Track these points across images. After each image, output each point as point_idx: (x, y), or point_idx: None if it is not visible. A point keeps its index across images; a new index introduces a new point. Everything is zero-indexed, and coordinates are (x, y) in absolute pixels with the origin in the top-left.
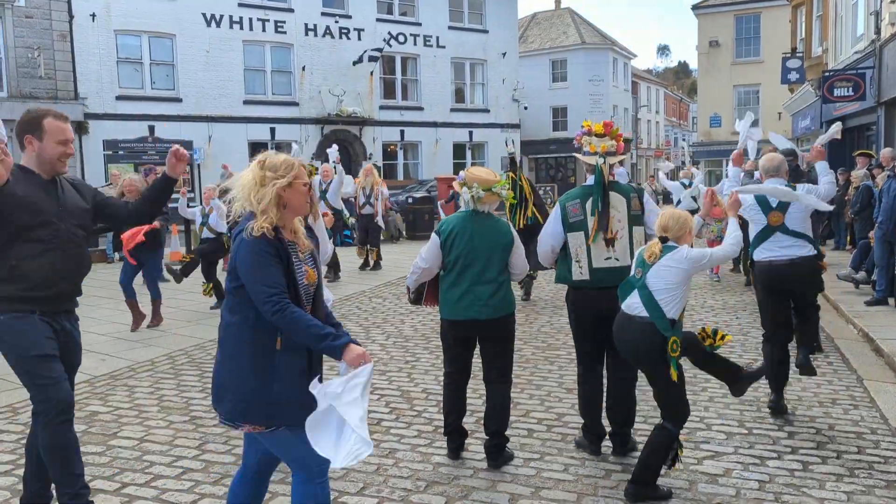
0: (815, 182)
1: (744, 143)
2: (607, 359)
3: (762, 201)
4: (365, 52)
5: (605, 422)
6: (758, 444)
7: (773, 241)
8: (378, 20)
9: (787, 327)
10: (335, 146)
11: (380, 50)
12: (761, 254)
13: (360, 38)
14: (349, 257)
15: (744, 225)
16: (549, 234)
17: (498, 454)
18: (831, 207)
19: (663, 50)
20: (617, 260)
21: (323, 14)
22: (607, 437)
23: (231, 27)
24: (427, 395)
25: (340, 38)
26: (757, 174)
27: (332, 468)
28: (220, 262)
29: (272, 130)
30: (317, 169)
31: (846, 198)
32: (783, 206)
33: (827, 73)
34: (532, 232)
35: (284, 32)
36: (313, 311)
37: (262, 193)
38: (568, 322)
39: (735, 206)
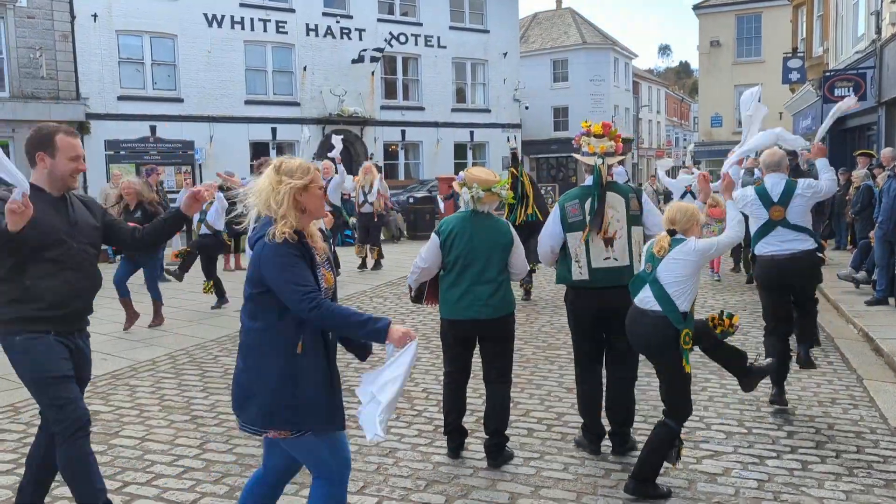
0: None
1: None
2: (606, 358)
3: (763, 196)
4: (366, 50)
5: (605, 421)
6: (757, 444)
7: (774, 236)
8: (379, 20)
9: (788, 322)
10: (340, 137)
11: (381, 50)
12: (763, 248)
13: (361, 39)
14: (349, 257)
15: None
16: (549, 235)
17: (498, 453)
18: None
19: (664, 50)
20: (616, 260)
21: (324, 14)
22: (607, 436)
23: (232, 27)
24: (427, 394)
25: (342, 38)
26: (757, 172)
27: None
28: (222, 259)
29: (273, 130)
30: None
31: (847, 197)
32: (784, 201)
33: (828, 73)
34: (532, 229)
35: (286, 33)
36: None
37: (279, 197)
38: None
39: (730, 187)
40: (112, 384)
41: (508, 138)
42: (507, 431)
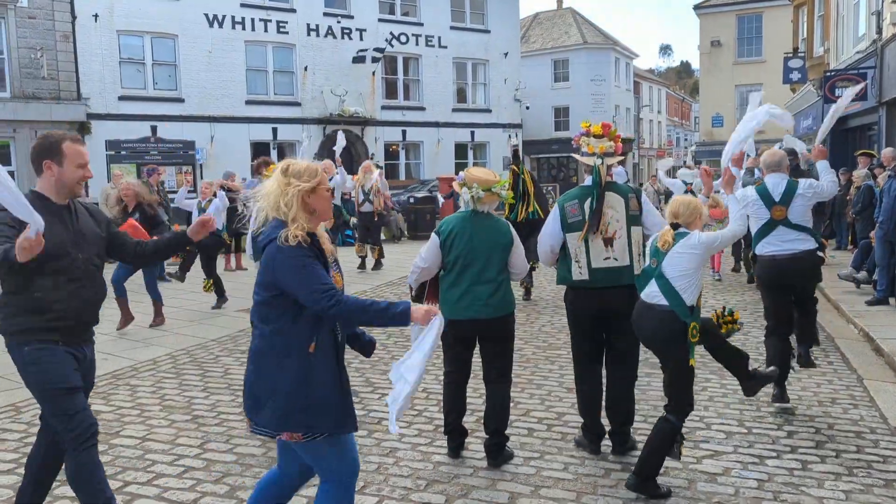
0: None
1: (750, 133)
2: (606, 358)
3: (765, 196)
4: (367, 49)
5: (605, 421)
6: (757, 444)
7: (775, 235)
8: (380, 20)
9: (789, 322)
10: (343, 134)
11: (381, 50)
12: (764, 248)
13: (361, 39)
14: (350, 256)
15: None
16: (548, 235)
17: (498, 453)
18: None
19: (665, 50)
20: (616, 260)
21: (325, 14)
22: (607, 436)
23: (233, 27)
24: (427, 394)
25: (342, 38)
26: (757, 172)
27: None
28: (223, 258)
29: (274, 130)
30: None
31: (847, 197)
32: (786, 201)
33: (828, 73)
34: (533, 226)
35: (286, 33)
36: None
37: (288, 200)
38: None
39: (731, 182)
40: (113, 384)
41: (510, 136)
42: (508, 431)
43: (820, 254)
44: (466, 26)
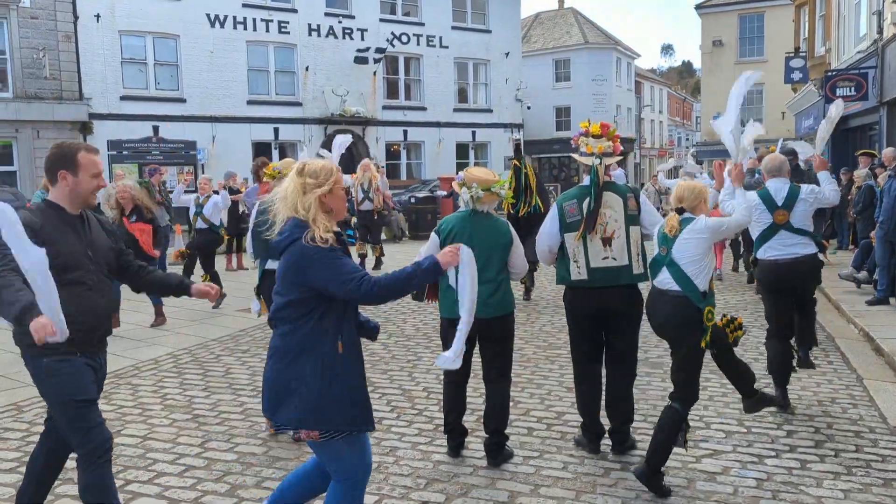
0: (814, 180)
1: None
2: (606, 358)
3: (767, 200)
4: (368, 49)
5: (605, 420)
6: (756, 443)
7: (777, 240)
8: (381, 20)
9: (790, 325)
10: (346, 141)
11: (382, 50)
12: (766, 252)
13: (363, 39)
14: (350, 255)
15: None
16: (546, 234)
17: (498, 452)
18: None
19: (667, 49)
20: (614, 259)
21: (326, 14)
22: (606, 435)
23: (235, 28)
24: (428, 393)
25: (344, 38)
26: (758, 174)
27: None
28: (224, 259)
29: (276, 130)
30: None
31: (849, 197)
32: (788, 205)
33: (830, 73)
34: (533, 224)
35: (288, 33)
36: (355, 310)
37: (306, 201)
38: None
39: (740, 176)
40: (115, 383)
41: (511, 131)
42: (508, 430)
43: (821, 256)
44: (468, 26)
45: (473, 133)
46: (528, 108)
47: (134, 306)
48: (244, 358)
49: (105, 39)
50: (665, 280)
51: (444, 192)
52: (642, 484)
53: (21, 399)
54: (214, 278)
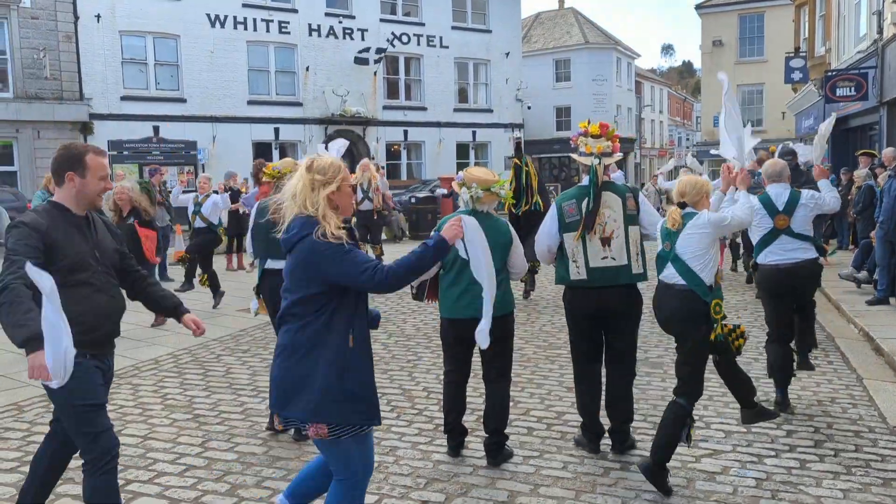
0: (812, 182)
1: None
2: (605, 358)
3: (768, 205)
4: (368, 50)
5: (605, 420)
6: (756, 443)
7: (778, 245)
8: (381, 20)
9: (790, 328)
10: (343, 145)
11: (383, 50)
12: (767, 257)
13: (363, 39)
14: None
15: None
16: (545, 234)
17: (497, 452)
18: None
19: (668, 49)
20: (613, 259)
21: (326, 14)
22: (606, 435)
23: (235, 28)
24: (428, 393)
25: (344, 38)
26: (758, 177)
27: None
28: (225, 259)
29: (276, 130)
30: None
31: (849, 197)
32: (789, 210)
33: (830, 73)
34: (533, 222)
35: (288, 33)
36: (365, 306)
37: (315, 198)
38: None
39: (746, 180)
40: (115, 383)
41: (512, 130)
42: (508, 430)
43: (821, 260)
44: (468, 26)
45: (474, 133)
46: (529, 108)
47: (134, 306)
48: (244, 358)
49: (105, 39)
50: (671, 274)
51: (444, 191)
52: (646, 479)
53: (22, 399)
54: (212, 278)
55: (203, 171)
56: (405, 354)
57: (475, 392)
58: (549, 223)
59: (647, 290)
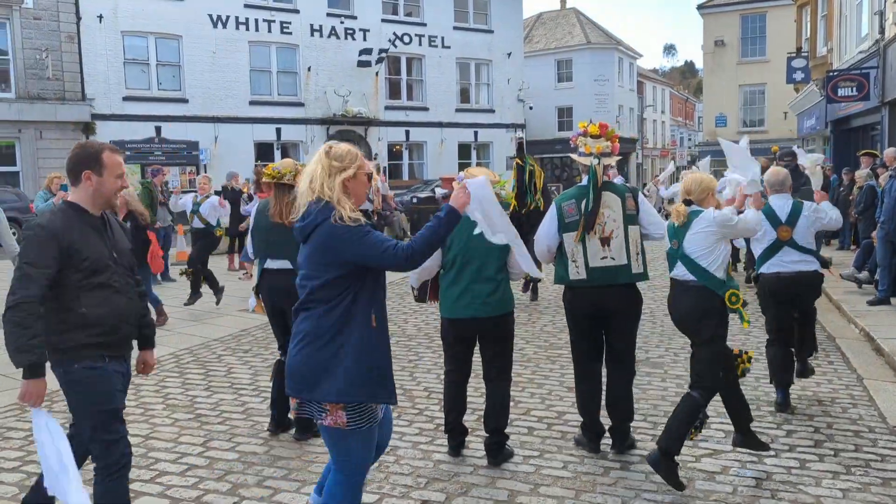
0: (810, 182)
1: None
2: (605, 357)
3: (771, 216)
4: (369, 50)
5: (605, 420)
6: None
7: (781, 256)
8: (383, 21)
9: (790, 331)
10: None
11: (385, 51)
12: (769, 268)
13: (365, 39)
14: None
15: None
16: (545, 234)
17: (498, 451)
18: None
19: (669, 49)
20: (613, 259)
21: (328, 15)
22: (606, 434)
23: (237, 28)
24: (429, 393)
25: (346, 38)
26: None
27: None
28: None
29: (278, 131)
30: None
31: (850, 198)
32: (791, 221)
33: (831, 73)
34: (535, 222)
35: (290, 33)
36: (384, 287)
37: (332, 183)
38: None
39: (760, 203)
40: None
41: (515, 131)
42: (508, 430)
43: (822, 271)
44: (470, 26)
45: (475, 133)
46: (531, 108)
47: None
48: (246, 358)
49: (108, 40)
50: (682, 273)
51: (445, 191)
52: (656, 471)
53: None
54: (210, 277)
55: (205, 172)
56: (406, 354)
57: (476, 392)
58: (548, 223)
59: (647, 289)
